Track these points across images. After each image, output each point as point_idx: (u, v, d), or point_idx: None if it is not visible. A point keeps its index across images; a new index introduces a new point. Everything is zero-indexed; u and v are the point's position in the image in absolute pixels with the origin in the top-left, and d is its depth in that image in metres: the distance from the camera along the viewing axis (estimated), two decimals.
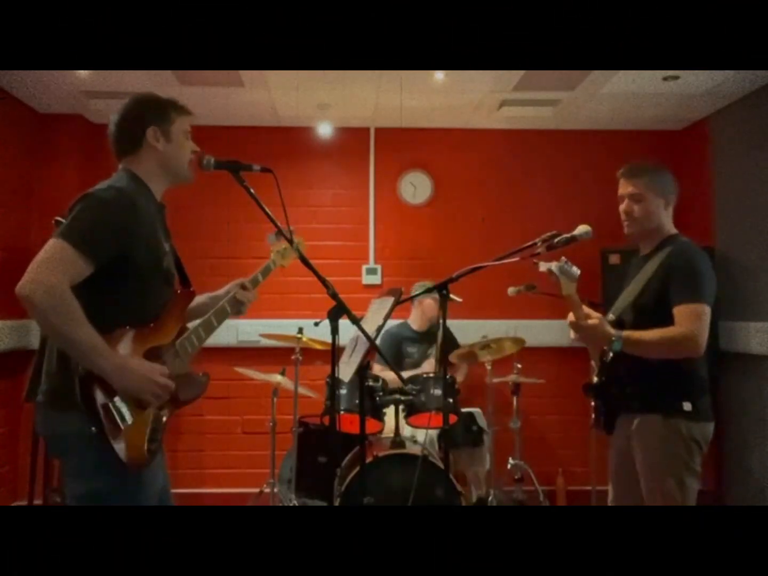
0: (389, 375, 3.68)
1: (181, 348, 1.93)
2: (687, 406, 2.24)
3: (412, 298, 4.00)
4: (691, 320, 2.21)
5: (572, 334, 2.39)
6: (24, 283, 1.62)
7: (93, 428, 1.69)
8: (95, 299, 1.73)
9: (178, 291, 2.00)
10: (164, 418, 1.89)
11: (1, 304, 3.77)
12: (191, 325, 2.02)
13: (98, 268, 1.72)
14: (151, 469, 1.83)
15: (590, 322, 2.32)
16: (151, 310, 1.86)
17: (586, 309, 2.36)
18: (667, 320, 2.24)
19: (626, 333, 2.29)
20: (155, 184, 1.96)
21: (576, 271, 2.25)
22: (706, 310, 2.23)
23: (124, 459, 1.73)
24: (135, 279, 1.81)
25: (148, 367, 1.78)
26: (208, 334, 2.02)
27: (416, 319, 4.33)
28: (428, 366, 4.13)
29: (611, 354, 2.33)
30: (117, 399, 1.73)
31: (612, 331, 2.30)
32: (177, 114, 1.99)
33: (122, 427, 1.73)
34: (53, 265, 1.65)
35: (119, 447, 1.72)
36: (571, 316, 2.36)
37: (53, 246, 1.68)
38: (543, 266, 2.29)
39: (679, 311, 2.23)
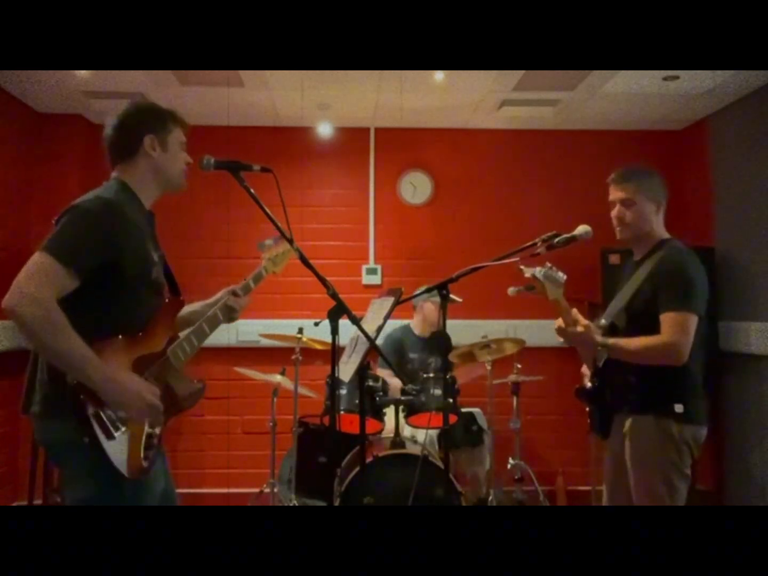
0: (394, 381, 3.68)
1: (173, 356, 1.91)
2: (679, 408, 2.24)
3: (411, 299, 4.00)
4: (674, 330, 2.22)
5: (559, 338, 2.39)
6: (10, 298, 1.62)
7: (85, 438, 1.69)
8: (84, 310, 1.72)
9: (167, 299, 1.99)
10: (160, 425, 1.88)
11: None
12: (183, 333, 2.00)
13: (85, 280, 1.71)
14: (148, 475, 1.82)
15: (577, 329, 2.32)
16: (139, 320, 1.85)
17: (574, 314, 2.36)
18: (659, 326, 2.25)
19: (612, 341, 2.31)
20: (146, 192, 1.95)
21: (561, 276, 2.24)
22: (692, 319, 2.23)
23: (120, 467, 1.72)
24: (123, 289, 1.80)
25: (139, 384, 1.76)
26: (200, 342, 2.00)
27: (418, 324, 4.30)
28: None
29: (603, 358, 2.34)
30: (108, 407, 1.72)
31: (598, 338, 2.31)
32: (175, 125, 1.98)
33: (115, 435, 1.72)
34: (39, 279, 1.64)
35: (114, 456, 1.71)
36: (558, 321, 2.36)
37: (38, 259, 1.67)
38: (527, 272, 2.28)
39: (664, 319, 2.24)
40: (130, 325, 1.82)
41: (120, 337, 1.78)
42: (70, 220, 1.75)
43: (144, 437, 1.80)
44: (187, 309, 2.09)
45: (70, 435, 1.70)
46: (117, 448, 1.72)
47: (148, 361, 1.84)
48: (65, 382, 1.69)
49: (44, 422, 1.79)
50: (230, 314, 2.10)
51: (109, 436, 1.71)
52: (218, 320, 2.07)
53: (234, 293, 2.13)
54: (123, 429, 1.74)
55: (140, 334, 1.84)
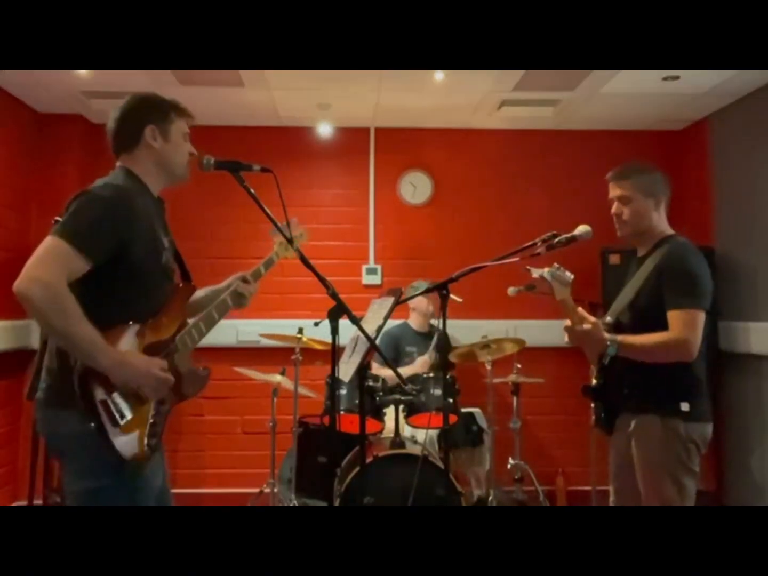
0: (388, 372, 3.68)
1: (182, 342, 1.93)
2: (685, 406, 2.24)
3: (411, 299, 4.00)
4: (683, 326, 2.22)
5: (567, 338, 2.40)
6: (21, 281, 1.63)
7: (92, 424, 1.70)
8: (94, 295, 1.74)
9: (179, 285, 2.00)
10: (165, 414, 1.90)
11: (1, 304, 3.77)
12: (192, 319, 2.02)
13: (96, 265, 1.73)
14: (150, 467, 1.83)
15: (585, 327, 2.32)
16: (150, 306, 1.87)
17: (581, 312, 2.36)
18: (664, 322, 2.25)
19: (620, 338, 2.30)
20: (151, 182, 1.96)
21: (569, 276, 2.25)
22: (700, 315, 2.24)
23: (123, 455, 1.74)
24: (134, 275, 1.81)
25: (147, 361, 1.79)
26: (209, 328, 2.01)
27: (414, 319, 4.34)
28: (420, 363, 4.11)
29: (609, 356, 2.34)
30: (116, 395, 1.74)
31: (606, 336, 2.31)
32: (177, 115, 1.99)
33: (121, 423, 1.74)
34: (50, 263, 1.66)
35: (118, 443, 1.73)
36: (567, 321, 2.36)
37: (50, 243, 1.69)
38: (535, 272, 2.29)
39: (672, 316, 2.24)
40: (140, 310, 1.83)
41: (131, 323, 1.80)
42: (80, 205, 1.77)
43: (148, 425, 1.82)
44: (196, 294, 2.11)
45: (75, 423, 1.71)
46: (121, 436, 1.74)
47: (158, 347, 1.86)
48: (73, 369, 1.70)
49: (48, 410, 1.80)
50: (240, 300, 2.11)
51: (115, 424, 1.73)
52: (227, 307, 2.08)
53: (244, 279, 2.14)
54: (128, 417, 1.76)
55: (151, 320, 1.85)
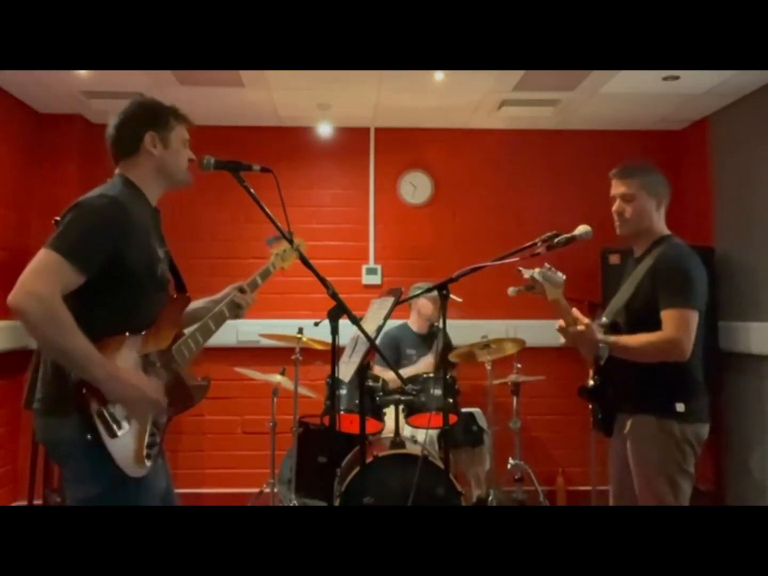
0: (389, 375, 3.69)
1: (178, 353, 1.92)
2: (680, 407, 2.24)
3: (411, 299, 4.00)
4: (676, 326, 2.22)
5: (561, 339, 2.40)
6: (16, 295, 1.62)
7: (88, 435, 1.69)
8: (89, 307, 1.73)
9: (174, 296, 1.99)
10: (163, 425, 1.89)
11: (0, 304, 3.77)
12: (189, 330, 2.01)
13: (91, 277, 1.72)
14: (150, 474, 1.82)
15: (578, 328, 2.32)
16: (146, 317, 1.85)
17: (575, 313, 2.36)
18: (659, 323, 2.25)
19: (613, 338, 2.31)
20: (151, 189, 1.95)
21: (560, 276, 2.24)
22: (693, 315, 2.23)
23: (123, 466, 1.73)
24: (128, 286, 1.80)
25: (142, 380, 1.77)
26: (205, 339, 2.00)
27: (415, 321, 4.33)
28: (424, 364, 4.12)
29: (603, 357, 2.34)
30: (111, 405, 1.72)
31: (599, 336, 2.31)
32: (177, 121, 1.98)
33: (118, 433, 1.72)
34: (44, 276, 1.65)
35: (116, 453, 1.71)
36: (560, 321, 2.36)
37: (44, 256, 1.68)
38: (526, 273, 2.29)
39: (665, 316, 2.24)
40: (136, 322, 1.82)
41: (126, 334, 1.78)
42: (75, 217, 1.75)
43: (147, 436, 1.81)
44: (192, 305, 2.09)
45: (71, 433, 1.70)
46: (120, 447, 1.72)
47: (155, 358, 1.85)
48: (68, 379, 1.69)
49: (45, 419, 1.78)
50: (236, 311, 2.10)
51: (112, 435, 1.71)
52: (224, 317, 2.07)
53: (241, 289, 2.13)
54: (126, 427, 1.74)
55: (146, 331, 1.84)
